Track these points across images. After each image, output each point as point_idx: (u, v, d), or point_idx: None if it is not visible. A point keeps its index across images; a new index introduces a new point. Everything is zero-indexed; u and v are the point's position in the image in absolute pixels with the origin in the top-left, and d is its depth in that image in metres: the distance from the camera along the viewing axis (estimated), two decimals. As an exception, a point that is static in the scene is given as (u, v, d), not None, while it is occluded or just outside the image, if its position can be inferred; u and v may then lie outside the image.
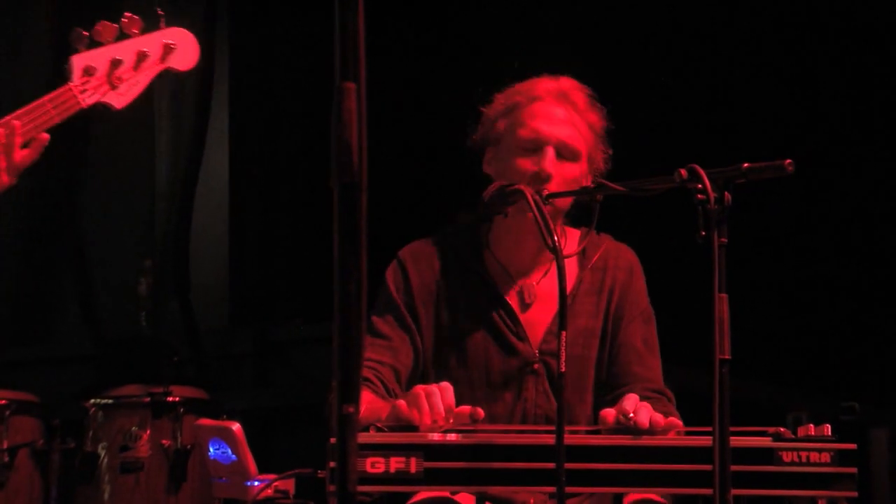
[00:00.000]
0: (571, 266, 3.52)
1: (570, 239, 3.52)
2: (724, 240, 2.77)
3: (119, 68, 3.04)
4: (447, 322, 3.47)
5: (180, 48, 3.10)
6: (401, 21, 6.67)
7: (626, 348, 3.48)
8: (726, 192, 2.81)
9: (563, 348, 2.81)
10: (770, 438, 2.89)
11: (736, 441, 2.77)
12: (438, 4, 6.83)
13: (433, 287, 3.49)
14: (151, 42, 3.09)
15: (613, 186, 3.12)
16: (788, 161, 2.85)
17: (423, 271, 3.50)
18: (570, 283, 3.47)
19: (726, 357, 2.74)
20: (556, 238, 2.94)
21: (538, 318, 3.48)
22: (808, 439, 2.89)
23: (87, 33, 3.11)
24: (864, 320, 6.66)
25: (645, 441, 2.92)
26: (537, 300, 3.49)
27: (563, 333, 2.82)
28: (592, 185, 3.22)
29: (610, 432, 2.95)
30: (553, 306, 3.46)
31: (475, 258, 3.52)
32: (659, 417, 2.96)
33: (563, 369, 2.80)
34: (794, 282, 6.64)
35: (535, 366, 3.44)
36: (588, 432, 3.04)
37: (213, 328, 6.90)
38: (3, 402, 5.06)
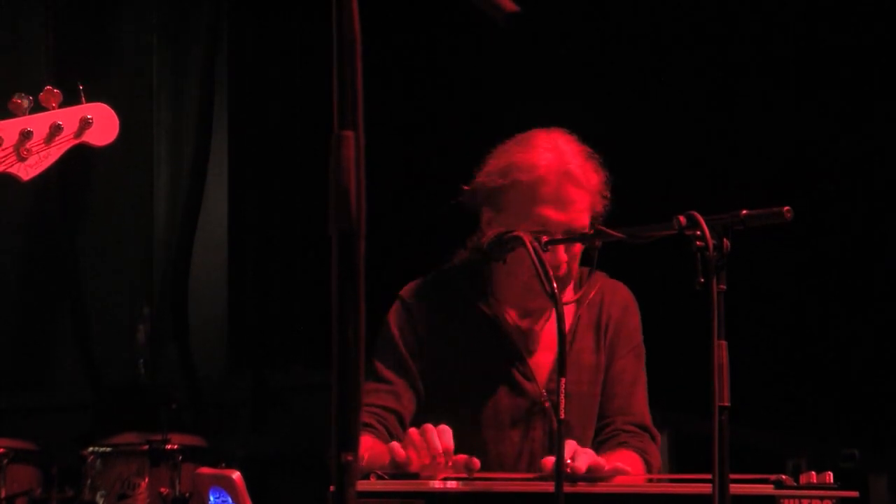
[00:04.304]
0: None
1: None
2: (723, 287, 2.77)
3: (29, 140, 2.98)
4: (452, 361, 3.46)
5: (98, 123, 3.02)
6: (400, 66, 6.70)
7: (612, 382, 3.51)
8: (725, 239, 2.81)
9: (562, 394, 2.80)
10: (772, 486, 2.88)
11: (736, 489, 2.76)
12: (438, 49, 6.86)
13: (437, 326, 3.48)
14: (68, 116, 3.02)
15: (612, 233, 3.11)
16: (787, 208, 2.85)
17: (427, 311, 3.49)
18: (568, 320, 3.47)
19: (725, 404, 2.73)
20: (553, 285, 2.94)
21: (543, 359, 3.49)
22: (811, 486, 2.88)
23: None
24: (863, 366, 6.65)
25: (645, 489, 2.91)
26: (542, 341, 3.51)
27: (563, 380, 2.81)
28: (591, 231, 3.23)
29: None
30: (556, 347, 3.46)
31: (480, 301, 3.52)
32: (599, 462, 2.96)
33: (563, 416, 2.79)
34: (794, 328, 6.63)
35: (545, 404, 3.44)
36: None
37: (211, 375, 6.88)
38: (1, 450, 5.04)
